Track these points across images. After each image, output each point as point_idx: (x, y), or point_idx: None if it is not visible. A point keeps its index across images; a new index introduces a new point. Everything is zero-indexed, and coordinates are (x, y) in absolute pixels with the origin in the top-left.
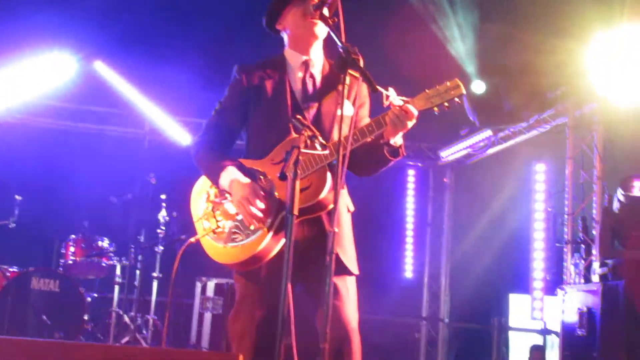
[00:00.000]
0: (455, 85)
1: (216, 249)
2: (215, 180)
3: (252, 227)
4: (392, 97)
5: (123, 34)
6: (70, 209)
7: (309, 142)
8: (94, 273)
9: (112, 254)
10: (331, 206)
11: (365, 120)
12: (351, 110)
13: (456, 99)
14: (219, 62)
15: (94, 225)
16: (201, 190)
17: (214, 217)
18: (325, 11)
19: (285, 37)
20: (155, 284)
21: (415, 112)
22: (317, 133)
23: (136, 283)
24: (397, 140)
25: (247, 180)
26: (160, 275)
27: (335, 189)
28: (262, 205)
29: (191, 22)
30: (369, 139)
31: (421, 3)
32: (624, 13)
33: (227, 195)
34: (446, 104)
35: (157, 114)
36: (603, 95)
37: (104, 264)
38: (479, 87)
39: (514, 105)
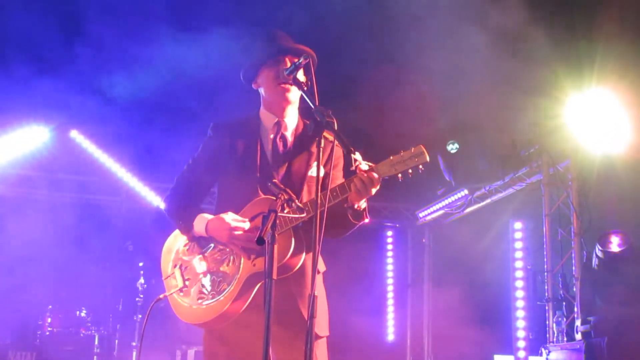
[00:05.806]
0: (419, 152)
1: (182, 308)
2: (188, 229)
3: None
4: (359, 161)
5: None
6: (47, 279)
7: (285, 205)
8: (71, 344)
9: (90, 324)
10: (297, 268)
11: (339, 180)
12: (320, 172)
13: (420, 167)
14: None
15: (71, 295)
16: (171, 247)
17: (182, 275)
18: (300, 74)
19: (261, 95)
20: (134, 354)
21: (379, 180)
22: (294, 196)
23: (115, 353)
24: (361, 204)
25: (220, 216)
26: (140, 345)
27: (314, 248)
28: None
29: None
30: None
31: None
32: (593, 78)
33: (195, 252)
34: (410, 171)
35: (133, 181)
36: (576, 152)
37: (82, 334)
38: (453, 146)
39: (488, 164)
